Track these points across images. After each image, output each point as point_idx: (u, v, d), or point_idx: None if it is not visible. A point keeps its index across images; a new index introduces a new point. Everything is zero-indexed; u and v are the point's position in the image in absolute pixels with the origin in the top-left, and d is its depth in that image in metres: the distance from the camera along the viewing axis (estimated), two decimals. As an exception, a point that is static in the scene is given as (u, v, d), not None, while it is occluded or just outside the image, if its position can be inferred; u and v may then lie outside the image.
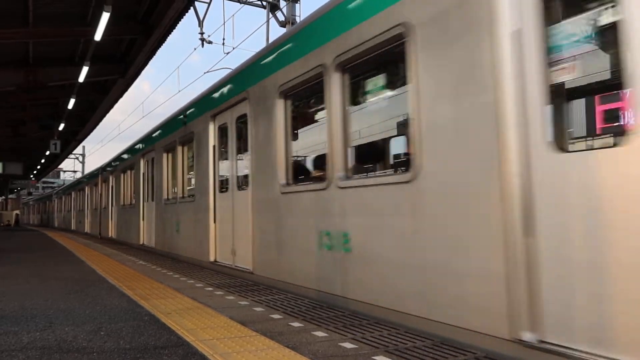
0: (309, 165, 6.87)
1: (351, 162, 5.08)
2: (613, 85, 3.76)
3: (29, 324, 4.31)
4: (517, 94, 3.13)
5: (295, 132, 6.38)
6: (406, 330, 3.85)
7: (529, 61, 3.08)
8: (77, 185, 27.58)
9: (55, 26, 12.53)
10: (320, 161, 5.97)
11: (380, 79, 5.21)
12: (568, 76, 3.41)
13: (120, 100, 19.69)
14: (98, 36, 11.74)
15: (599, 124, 5.10)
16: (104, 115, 22.63)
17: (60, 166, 56.87)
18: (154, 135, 12.47)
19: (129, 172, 15.41)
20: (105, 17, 10.69)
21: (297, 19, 13.77)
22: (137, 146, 14.43)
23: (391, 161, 5.90)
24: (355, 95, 5.31)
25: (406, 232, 4.00)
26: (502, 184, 3.21)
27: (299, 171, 6.53)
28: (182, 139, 9.97)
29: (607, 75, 3.71)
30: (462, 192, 3.50)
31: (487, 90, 3.30)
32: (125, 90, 18.14)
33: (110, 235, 17.86)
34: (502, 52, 3.21)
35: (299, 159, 7.04)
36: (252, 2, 14.55)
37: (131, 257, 10.78)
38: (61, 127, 22.43)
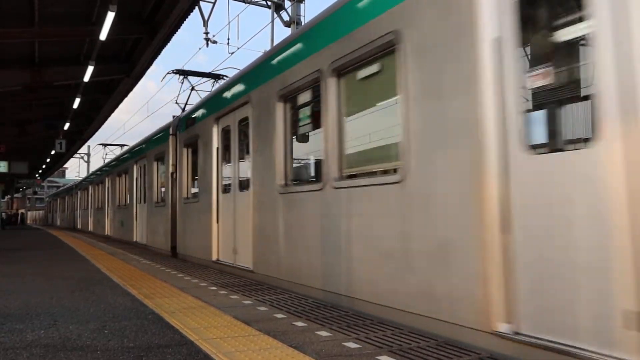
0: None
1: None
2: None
3: (33, 322, 4.32)
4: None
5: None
6: (409, 330, 3.85)
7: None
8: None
9: (60, 26, 12.58)
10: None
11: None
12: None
13: (125, 100, 19.76)
14: (103, 36, 11.77)
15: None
16: (109, 115, 22.69)
17: (65, 165, 57.06)
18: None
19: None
20: (110, 16, 10.71)
21: (302, 19, 13.76)
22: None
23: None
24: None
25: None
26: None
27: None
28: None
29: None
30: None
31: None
32: (130, 89, 18.18)
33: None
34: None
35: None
36: (257, 2, 14.55)
37: (135, 256, 10.80)
38: (66, 126, 22.50)
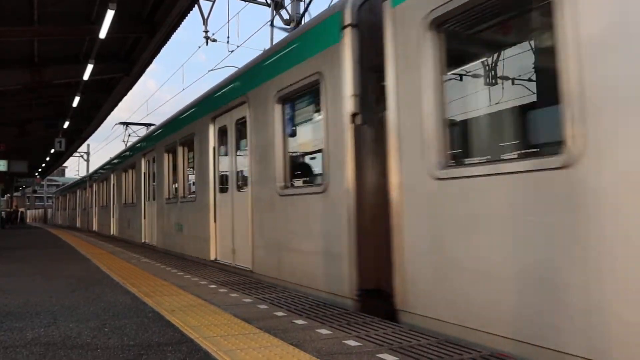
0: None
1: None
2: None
3: (33, 321, 4.32)
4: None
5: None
6: (411, 329, 3.84)
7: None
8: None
9: (60, 25, 12.59)
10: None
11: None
12: None
13: (125, 98, 19.79)
14: (103, 34, 11.78)
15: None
16: (108, 113, 22.72)
17: (64, 164, 57.10)
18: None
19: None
20: (109, 15, 10.72)
21: (302, 18, 13.73)
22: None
23: None
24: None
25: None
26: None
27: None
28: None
29: None
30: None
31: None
32: (130, 88, 18.21)
33: None
34: None
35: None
36: (256, 0, 14.53)
37: (135, 254, 10.80)
38: (66, 125, 22.49)
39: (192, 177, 9.95)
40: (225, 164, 8.21)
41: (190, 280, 6.65)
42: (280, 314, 4.48)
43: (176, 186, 10.94)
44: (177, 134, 10.49)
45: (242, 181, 7.60)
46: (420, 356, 3.15)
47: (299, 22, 12.63)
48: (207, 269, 7.85)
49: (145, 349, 3.40)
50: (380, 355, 3.16)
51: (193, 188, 9.74)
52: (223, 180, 8.28)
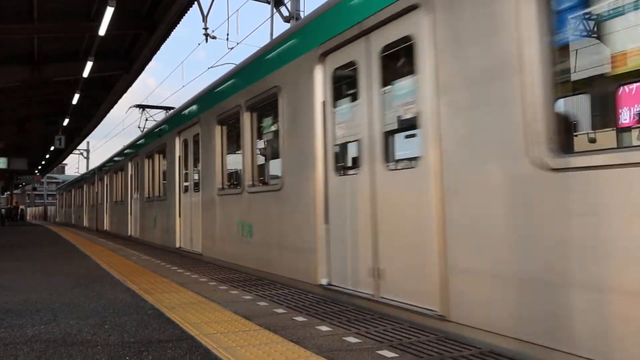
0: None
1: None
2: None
3: (33, 318, 4.32)
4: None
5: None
6: (410, 325, 3.85)
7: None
8: None
9: (59, 22, 12.58)
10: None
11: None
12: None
13: (125, 96, 19.73)
14: (102, 31, 11.76)
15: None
16: (108, 111, 22.70)
17: (64, 162, 57.07)
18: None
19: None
20: (109, 12, 10.70)
21: (302, 15, 13.71)
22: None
23: None
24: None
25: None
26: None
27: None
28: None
29: None
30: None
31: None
32: (130, 85, 18.20)
33: None
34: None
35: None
36: (256, -3, 14.48)
37: (135, 251, 10.80)
38: (66, 122, 22.47)
39: (266, 155, 7.53)
40: (348, 129, 5.21)
41: (190, 277, 6.66)
42: (280, 311, 4.48)
43: (238, 170, 7.99)
44: (240, 95, 7.26)
45: (398, 153, 5.18)
46: (421, 353, 3.15)
47: (298, 20, 12.60)
48: (209, 265, 6.91)
49: (146, 345, 3.40)
50: (381, 352, 3.17)
51: (271, 171, 7.37)
52: (341, 156, 5.54)
